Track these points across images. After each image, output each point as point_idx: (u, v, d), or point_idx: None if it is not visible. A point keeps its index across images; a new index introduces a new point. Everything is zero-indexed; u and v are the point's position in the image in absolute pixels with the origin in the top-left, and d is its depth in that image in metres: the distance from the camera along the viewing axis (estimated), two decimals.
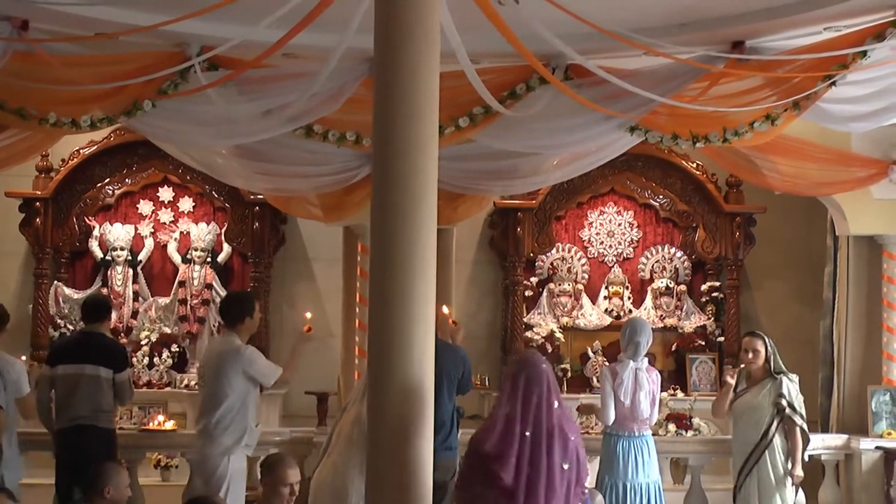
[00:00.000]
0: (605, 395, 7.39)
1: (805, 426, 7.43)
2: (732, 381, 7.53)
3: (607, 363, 8.77)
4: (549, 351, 10.13)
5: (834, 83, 6.83)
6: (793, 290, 10.63)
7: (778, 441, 7.35)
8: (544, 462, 4.45)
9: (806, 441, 7.45)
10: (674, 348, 10.49)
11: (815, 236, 9.99)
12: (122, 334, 10.17)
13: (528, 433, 4.47)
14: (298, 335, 7.52)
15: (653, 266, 10.67)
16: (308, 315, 7.78)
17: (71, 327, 10.05)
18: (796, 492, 7.52)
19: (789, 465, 7.36)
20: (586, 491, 4.61)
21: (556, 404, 4.54)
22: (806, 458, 7.57)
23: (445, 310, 7.80)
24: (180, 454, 8.71)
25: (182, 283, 10.49)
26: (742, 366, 7.63)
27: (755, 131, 7.21)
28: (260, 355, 7.09)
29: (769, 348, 7.46)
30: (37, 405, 7.39)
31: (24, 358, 8.04)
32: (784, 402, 7.33)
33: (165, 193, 10.62)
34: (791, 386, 7.41)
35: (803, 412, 7.45)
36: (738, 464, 7.48)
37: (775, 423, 7.36)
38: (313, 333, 7.54)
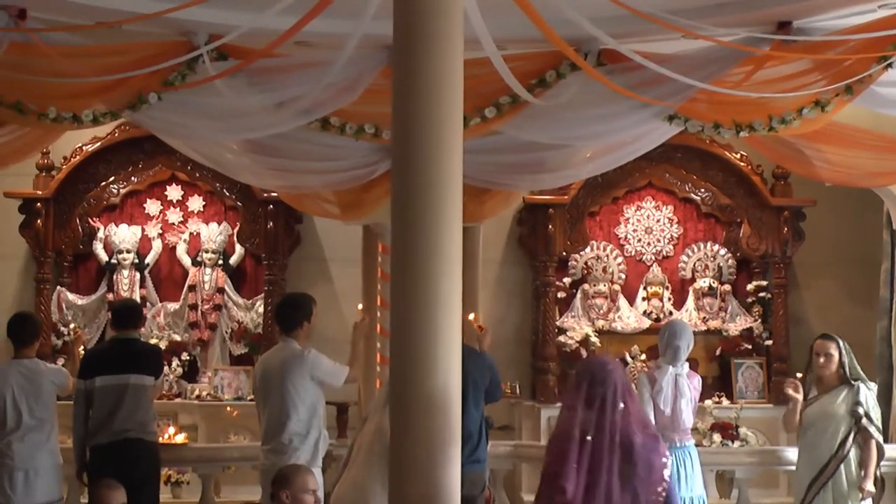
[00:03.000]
0: (644, 404, 7.35)
1: (881, 439, 7.36)
2: (798, 396, 7.45)
3: (646, 369, 8.74)
4: (584, 356, 10.09)
5: (890, 65, 6.79)
6: (845, 288, 10.56)
7: (854, 453, 7.29)
8: (605, 469, 4.35)
9: (881, 455, 7.38)
10: (718, 353, 10.45)
11: (869, 231, 9.92)
12: None
13: (588, 437, 4.39)
14: (353, 328, 7.49)
15: (694, 265, 10.62)
16: (360, 307, 7.83)
17: (79, 329, 10.09)
18: None
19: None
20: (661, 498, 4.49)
21: (621, 405, 4.43)
22: (879, 474, 7.49)
23: (471, 316, 7.80)
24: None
25: (192, 288, 10.54)
26: (800, 375, 7.57)
27: (803, 118, 7.17)
28: (324, 356, 7.03)
29: (843, 352, 7.39)
30: (74, 422, 7.39)
31: None
32: (861, 411, 7.25)
33: (173, 192, 10.67)
34: (869, 395, 7.32)
35: (879, 424, 7.37)
36: (807, 476, 7.35)
37: (852, 434, 7.28)
38: (360, 327, 7.49)
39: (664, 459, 4.47)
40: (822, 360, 7.36)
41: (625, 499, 4.35)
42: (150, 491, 7.37)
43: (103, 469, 7.04)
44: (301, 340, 7.02)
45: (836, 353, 7.35)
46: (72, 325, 9.87)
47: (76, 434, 7.39)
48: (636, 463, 4.37)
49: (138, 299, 10.35)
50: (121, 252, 10.44)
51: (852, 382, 7.31)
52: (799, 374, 7.68)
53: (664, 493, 4.43)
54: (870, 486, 7.28)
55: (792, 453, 7.85)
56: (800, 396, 7.45)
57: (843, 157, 8.20)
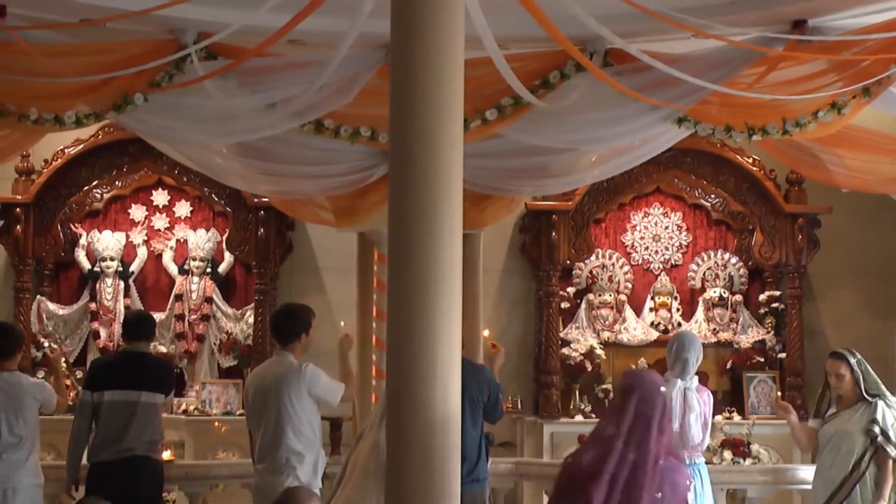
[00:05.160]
0: None
1: None
2: (791, 415, 7.53)
3: None
4: (589, 370, 10.11)
5: None
6: (863, 299, 10.57)
7: (870, 474, 7.26)
8: (643, 492, 4.38)
9: None
10: (729, 366, 10.46)
11: (888, 239, 9.94)
12: None
13: (631, 456, 4.41)
14: (339, 344, 7.49)
15: (704, 274, 10.64)
16: (342, 324, 7.85)
17: (56, 346, 10.11)
18: None
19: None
20: None
21: (665, 431, 4.50)
22: None
23: (485, 332, 7.81)
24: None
25: (179, 297, 10.54)
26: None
27: (819, 121, 7.17)
28: (322, 372, 6.98)
29: (856, 369, 7.36)
30: (74, 435, 7.34)
31: None
32: (877, 429, 7.21)
33: (160, 197, 10.68)
34: (888, 411, 7.29)
35: None
36: (822, 497, 7.35)
37: (868, 454, 7.25)
38: (337, 346, 7.52)
39: (689, 482, 4.53)
40: (833, 379, 7.37)
41: None
42: None
43: (105, 487, 6.99)
44: (297, 354, 6.99)
45: (846, 373, 7.33)
46: (46, 345, 9.88)
47: (76, 447, 7.32)
48: (664, 485, 4.41)
49: (122, 310, 10.39)
50: (104, 260, 10.44)
51: (870, 399, 7.30)
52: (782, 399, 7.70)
53: None
54: None
55: (806, 472, 7.85)
56: (793, 416, 7.51)
57: (860, 162, 8.20)
